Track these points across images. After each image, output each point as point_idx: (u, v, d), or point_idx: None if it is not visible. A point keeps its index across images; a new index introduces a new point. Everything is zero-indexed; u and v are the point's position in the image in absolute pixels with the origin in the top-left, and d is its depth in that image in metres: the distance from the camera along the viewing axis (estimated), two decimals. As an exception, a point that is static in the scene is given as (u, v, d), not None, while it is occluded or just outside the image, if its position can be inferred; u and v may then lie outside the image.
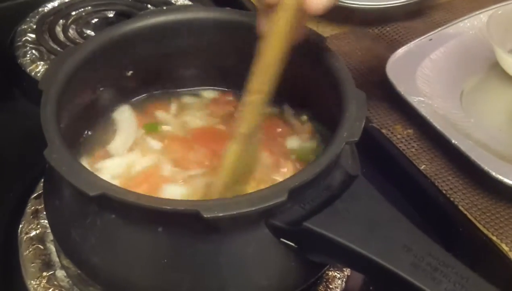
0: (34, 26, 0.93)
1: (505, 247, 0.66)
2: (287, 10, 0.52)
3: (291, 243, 0.50)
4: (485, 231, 0.68)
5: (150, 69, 0.66)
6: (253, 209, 0.46)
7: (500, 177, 0.69)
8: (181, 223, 0.48)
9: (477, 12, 0.94)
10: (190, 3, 1.00)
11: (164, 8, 0.68)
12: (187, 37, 0.64)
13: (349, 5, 0.95)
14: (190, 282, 0.50)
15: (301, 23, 0.55)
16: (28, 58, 0.88)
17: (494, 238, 0.67)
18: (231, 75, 0.68)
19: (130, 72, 0.65)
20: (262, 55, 0.54)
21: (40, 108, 0.52)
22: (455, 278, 0.45)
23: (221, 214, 0.45)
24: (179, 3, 0.99)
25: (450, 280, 0.44)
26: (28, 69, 0.86)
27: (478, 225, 0.68)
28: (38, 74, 0.85)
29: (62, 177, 0.48)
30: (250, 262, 0.50)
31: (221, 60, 0.67)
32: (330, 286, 0.60)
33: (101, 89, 0.63)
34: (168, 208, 0.46)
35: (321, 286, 0.60)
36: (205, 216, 0.44)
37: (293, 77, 0.62)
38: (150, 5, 0.98)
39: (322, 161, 0.49)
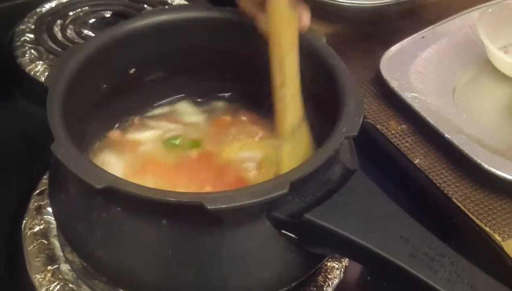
0: (33, 26, 0.94)
1: (497, 237, 0.68)
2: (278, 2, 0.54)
3: (291, 235, 0.51)
4: (478, 222, 0.69)
5: (153, 67, 0.67)
6: (256, 200, 0.47)
7: (492, 170, 0.71)
8: (185, 215, 0.50)
9: (468, 10, 0.97)
10: (186, 3, 1.01)
11: (166, 7, 0.69)
12: (188, 36, 0.66)
13: (342, 4, 0.96)
14: (194, 273, 0.51)
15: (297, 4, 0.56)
16: (27, 58, 0.88)
17: (487, 228, 0.69)
18: (231, 71, 0.69)
19: (133, 70, 0.66)
20: (273, 49, 0.56)
21: (47, 104, 0.53)
22: (451, 267, 0.46)
23: (224, 206, 0.46)
24: (175, 3, 1.00)
25: (446, 269, 0.46)
26: (27, 69, 0.87)
27: (471, 216, 0.70)
28: (37, 74, 0.86)
29: (69, 170, 0.48)
30: (252, 254, 0.51)
31: (220, 58, 0.68)
32: (329, 276, 0.62)
33: (104, 86, 0.64)
34: (173, 200, 0.47)
35: (320, 276, 0.61)
36: (208, 207, 0.45)
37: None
38: (147, 5, 0.99)
39: (322, 155, 0.50)
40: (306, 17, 0.58)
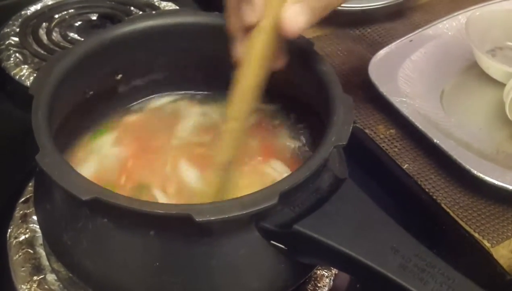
0: (17, 30, 0.93)
1: (486, 243, 0.67)
2: (264, 32, 0.52)
3: (281, 245, 0.50)
4: (467, 228, 0.69)
5: (139, 73, 0.67)
6: (245, 212, 0.46)
7: (481, 175, 0.70)
8: (173, 227, 0.49)
9: (456, 14, 0.96)
10: (174, 6, 1.00)
11: (153, 12, 0.69)
12: (176, 42, 0.65)
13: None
14: (182, 285, 0.50)
15: (277, 46, 0.54)
16: (12, 61, 0.87)
17: (476, 234, 0.68)
18: (219, 78, 0.68)
19: (120, 76, 0.66)
20: (240, 82, 0.54)
21: (32, 113, 0.53)
22: (441, 278, 0.46)
23: (213, 218, 0.45)
24: (162, 5, 0.99)
25: (437, 281, 0.45)
26: (12, 73, 0.86)
27: (460, 222, 0.70)
28: (23, 78, 0.85)
29: (54, 181, 0.48)
30: (241, 265, 0.51)
31: (209, 64, 0.67)
32: (319, 285, 0.61)
33: (90, 93, 0.63)
34: (160, 212, 0.47)
35: (310, 285, 0.61)
36: (197, 219, 0.45)
37: (280, 81, 0.63)
38: (134, 7, 0.98)
39: (311, 164, 0.50)
40: (280, 62, 0.57)
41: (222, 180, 0.57)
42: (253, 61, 0.53)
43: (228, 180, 0.57)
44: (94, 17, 0.98)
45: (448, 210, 0.71)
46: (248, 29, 0.53)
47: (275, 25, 0.51)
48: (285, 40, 0.54)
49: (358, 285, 0.64)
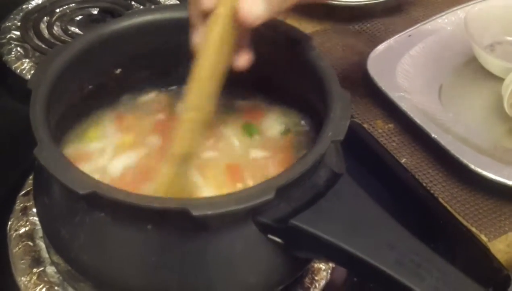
0: (19, 24, 0.93)
1: (484, 238, 0.68)
2: (220, 19, 0.50)
3: (278, 240, 0.51)
4: (465, 223, 0.69)
5: (138, 68, 0.67)
6: (242, 207, 0.47)
7: (479, 170, 0.71)
8: (170, 221, 0.49)
9: (455, 8, 0.96)
10: (174, 0, 1.00)
11: (153, 7, 0.68)
12: (175, 36, 0.65)
13: (330, 2, 0.96)
14: (179, 279, 0.51)
15: (238, 38, 0.53)
16: (13, 55, 0.88)
17: (473, 229, 0.69)
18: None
19: (119, 70, 0.66)
20: (197, 71, 0.52)
21: (30, 107, 0.53)
22: (437, 274, 0.46)
23: (210, 212, 0.46)
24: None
25: (433, 276, 0.46)
26: (13, 67, 0.86)
27: (458, 216, 0.70)
28: (24, 72, 0.85)
29: (52, 175, 0.48)
30: (238, 259, 0.51)
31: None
32: (316, 278, 0.62)
33: (89, 87, 0.64)
34: (157, 206, 0.47)
35: (307, 278, 0.61)
36: (194, 214, 0.45)
37: (277, 75, 0.63)
38: (134, 2, 0.98)
39: (308, 159, 0.50)
40: (243, 58, 0.55)
41: (177, 173, 0.55)
42: (210, 49, 0.52)
43: (183, 174, 0.56)
44: (95, 12, 0.98)
45: (445, 204, 0.71)
46: (206, 16, 0.52)
47: (232, 13, 0.50)
48: (246, 31, 0.52)
49: (355, 278, 0.64)
